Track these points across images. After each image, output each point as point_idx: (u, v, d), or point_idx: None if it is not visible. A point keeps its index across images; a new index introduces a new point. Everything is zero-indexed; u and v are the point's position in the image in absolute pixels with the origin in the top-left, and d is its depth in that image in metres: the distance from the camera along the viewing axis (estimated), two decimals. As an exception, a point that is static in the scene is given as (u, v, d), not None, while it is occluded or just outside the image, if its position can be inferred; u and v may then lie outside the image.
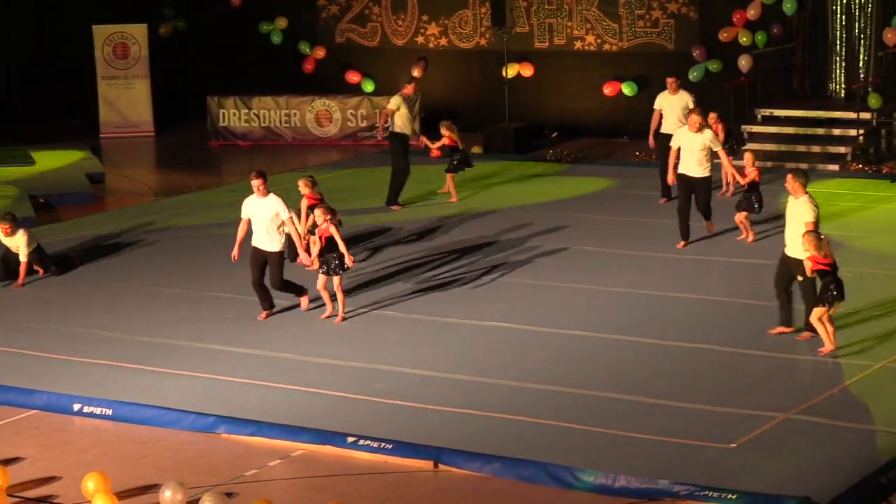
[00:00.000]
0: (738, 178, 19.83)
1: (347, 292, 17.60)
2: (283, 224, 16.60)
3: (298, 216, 17.98)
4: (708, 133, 19.37)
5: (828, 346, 14.82)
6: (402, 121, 22.86)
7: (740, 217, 19.64)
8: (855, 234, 19.98)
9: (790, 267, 15.27)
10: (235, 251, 16.85)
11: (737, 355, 15.03)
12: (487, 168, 25.63)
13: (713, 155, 19.40)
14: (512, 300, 17.45)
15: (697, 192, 19.37)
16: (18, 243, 18.76)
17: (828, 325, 14.80)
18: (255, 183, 16.65)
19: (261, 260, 16.72)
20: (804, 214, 15.18)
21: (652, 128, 22.68)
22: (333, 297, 16.77)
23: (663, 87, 27.30)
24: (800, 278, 15.08)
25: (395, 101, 22.90)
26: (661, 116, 22.50)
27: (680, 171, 19.46)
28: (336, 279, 16.56)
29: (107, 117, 31.10)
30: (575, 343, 15.74)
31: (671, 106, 22.39)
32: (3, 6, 32.54)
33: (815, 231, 14.93)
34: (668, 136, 21.70)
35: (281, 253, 16.71)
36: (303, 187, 18.76)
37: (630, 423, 13.28)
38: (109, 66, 31.10)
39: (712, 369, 14.69)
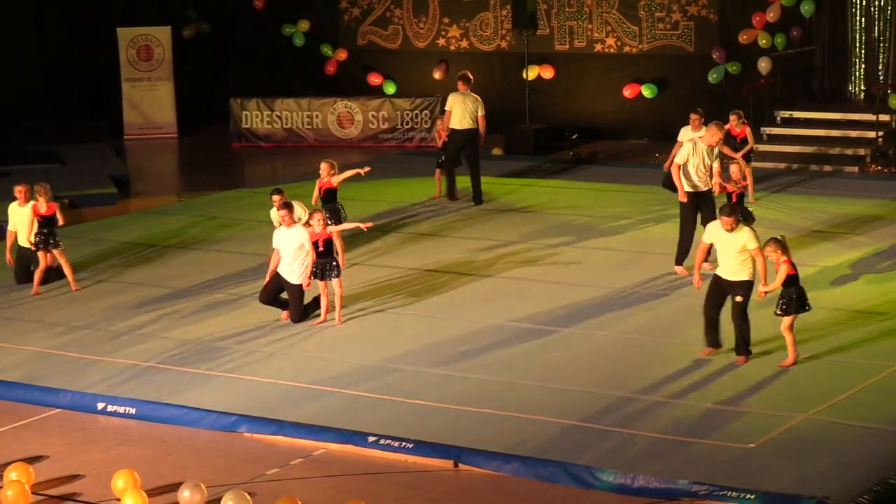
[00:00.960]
0: (717, 187, 18.19)
1: (369, 293, 17.67)
2: (307, 254, 16.57)
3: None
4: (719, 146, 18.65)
5: (791, 358, 14.64)
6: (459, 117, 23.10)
7: None
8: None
9: (724, 289, 14.95)
10: (268, 279, 16.84)
11: (755, 356, 14.97)
12: (508, 168, 25.65)
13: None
14: (531, 300, 17.44)
15: (705, 207, 18.19)
16: (28, 216, 18.50)
17: (789, 334, 14.64)
18: (281, 213, 16.71)
19: (277, 285, 16.71)
20: (748, 243, 14.73)
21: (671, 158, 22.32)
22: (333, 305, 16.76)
23: (684, 91, 27.34)
24: (738, 299, 14.76)
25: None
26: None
27: (688, 188, 18.29)
28: (335, 283, 16.53)
29: (131, 119, 31.15)
30: (594, 343, 15.73)
31: None
32: (32, 11, 32.70)
33: (774, 238, 14.79)
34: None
35: (300, 287, 16.64)
36: (324, 172, 19.27)
37: (649, 422, 13.26)
38: (133, 68, 31.16)
39: (731, 370, 14.64)
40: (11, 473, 12.06)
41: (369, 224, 17.84)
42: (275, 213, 18.73)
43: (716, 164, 18.41)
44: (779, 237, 14.83)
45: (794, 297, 14.55)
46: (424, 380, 14.65)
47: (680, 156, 18.55)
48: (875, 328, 15.80)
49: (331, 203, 19.23)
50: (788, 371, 14.55)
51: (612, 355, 15.31)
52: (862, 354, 14.97)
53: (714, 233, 15.13)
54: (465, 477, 12.33)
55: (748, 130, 22.00)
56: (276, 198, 18.31)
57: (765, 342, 15.14)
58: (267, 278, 16.84)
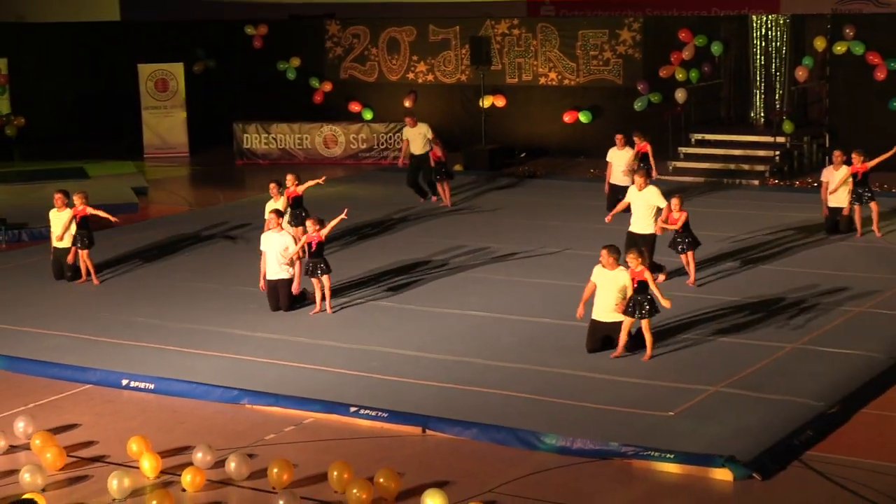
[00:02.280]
0: (668, 226, 17.25)
1: (350, 286, 17.66)
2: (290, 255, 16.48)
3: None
4: (651, 190, 17.58)
5: (649, 353, 14.23)
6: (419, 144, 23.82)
7: (686, 258, 17.40)
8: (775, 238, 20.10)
9: (602, 332, 14.37)
10: (262, 282, 16.77)
11: (674, 339, 15.01)
12: (467, 182, 25.67)
13: (658, 212, 17.36)
14: (487, 293, 17.45)
15: (645, 247, 16.76)
16: (65, 220, 18.33)
17: (650, 334, 14.26)
18: (275, 220, 16.66)
19: (276, 292, 16.63)
20: (625, 281, 14.15)
21: (607, 178, 22.30)
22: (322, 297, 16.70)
23: (614, 117, 27.49)
24: (614, 355, 14.25)
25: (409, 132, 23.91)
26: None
27: (630, 229, 17.62)
28: (325, 279, 16.48)
29: (149, 140, 31.06)
30: (539, 329, 15.74)
31: (617, 160, 22.03)
32: (64, 47, 32.56)
33: (637, 249, 14.51)
34: (615, 186, 21.67)
35: (289, 280, 16.57)
36: (290, 182, 19.51)
37: (585, 394, 13.28)
38: (152, 97, 31.06)
39: (653, 350, 14.65)
40: (36, 440, 12.00)
41: (346, 211, 17.44)
42: (272, 205, 18.93)
43: (664, 211, 17.24)
44: (640, 249, 14.67)
45: (647, 301, 14.15)
46: (397, 360, 14.63)
47: (628, 196, 17.78)
48: (771, 316, 15.86)
49: (297, 209, 19.41)
50: (699, 351, 14.59)
51: (554, 339, 15.29)
52: (759, 336, 15.03)
53: (598, 272, 14.43)
54: (431, 441, 12.33)
55: (647, 147, 22.05)
56: (273, 185, 18.67)
57: (677, 318, 15.21)
58: (261, 281, 16.75)
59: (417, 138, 23.74)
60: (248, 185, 27.51)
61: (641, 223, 17.38)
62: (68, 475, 11.67)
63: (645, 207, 17.38)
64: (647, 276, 14.22)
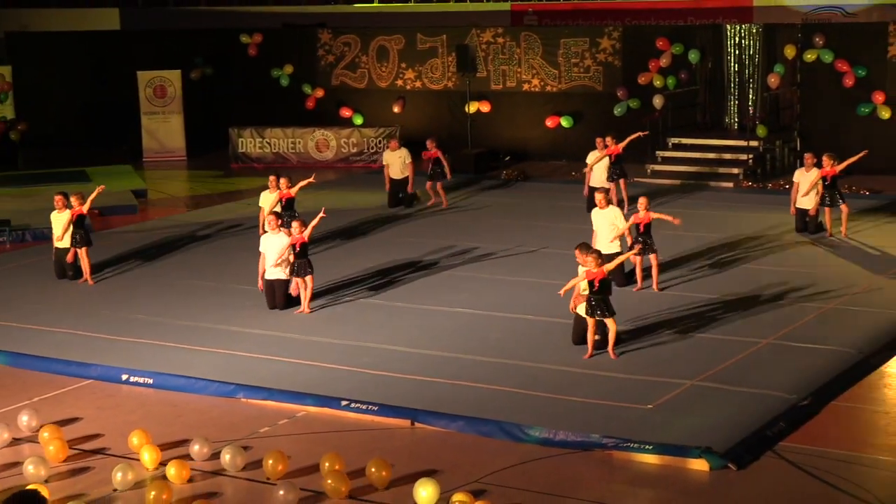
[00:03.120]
0: (627, 233, 16.92)
1: (342, 285, 17.61)
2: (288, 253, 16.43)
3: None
4: (613, 210, 17.03)
5: (612, 350, 14.11)
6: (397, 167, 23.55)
7: (652, 261, 17.01)
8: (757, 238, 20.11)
9: (583, 325, 14.29)
10: (260, 283, 16.69)
11: (653, 335, 15.01)
12: (453, 184, 25.63)
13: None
14: (474, 291, 17.42)
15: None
16: (65, 221, 18.22)
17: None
18: (275, 222, 16.59)
19: (273, 291, 16.57)
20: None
21: (586, 181, 22.14)
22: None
23: (595, 121, 27.47)
24: (585, 356, 14.18)
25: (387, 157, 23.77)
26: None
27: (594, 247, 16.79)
28: (308, 279, 16.40)
29: (148, 145, 30.97)
30: (524, 325, 15.73)
31: (597, 163, 22.02)
32: (67, 56, 32.47)
33: (597, 250, 14.36)
34: (595, 189, 21.60)
35: (286, 281, 16.51)
36: (283, 185, 19.46)
37: (568, 388, 13.28)
38: (150, 103, 30.97)
39: (632, 346, 14.66)
40: (44, 433, 11.96)
41: (323, 209, 17.32)
42: (266, 195, 18.89)
43: (625, 231, 16.83)
44: (598, 250, 14.56)
45: (605, 302, 14.03)
46: (387, 355, 14.60)
47: (594, 221, 17.28)
48: (745, 313, 15.86)
49: (290, 210, 19.30)
50: (676, 346, 14.59)
51: (537, 335, 15.29)
52: (734, 332, 15.03)
53: (581, 271, 14.28)
54: (419, 433, 12.31)
55: (618, 147, 22.06)
56: (272, 178, 18.58)
57: (655, 315, 15.19)
58: (259, 282, 16.69)
59: (396, 162, 23.43)
60: (244, 188, 27.41)
61: (604, 242, 16.81)
62: (70, 467, 11.63)
63: (607, 227, 16.95)
64: (607, 267, 14.06)
